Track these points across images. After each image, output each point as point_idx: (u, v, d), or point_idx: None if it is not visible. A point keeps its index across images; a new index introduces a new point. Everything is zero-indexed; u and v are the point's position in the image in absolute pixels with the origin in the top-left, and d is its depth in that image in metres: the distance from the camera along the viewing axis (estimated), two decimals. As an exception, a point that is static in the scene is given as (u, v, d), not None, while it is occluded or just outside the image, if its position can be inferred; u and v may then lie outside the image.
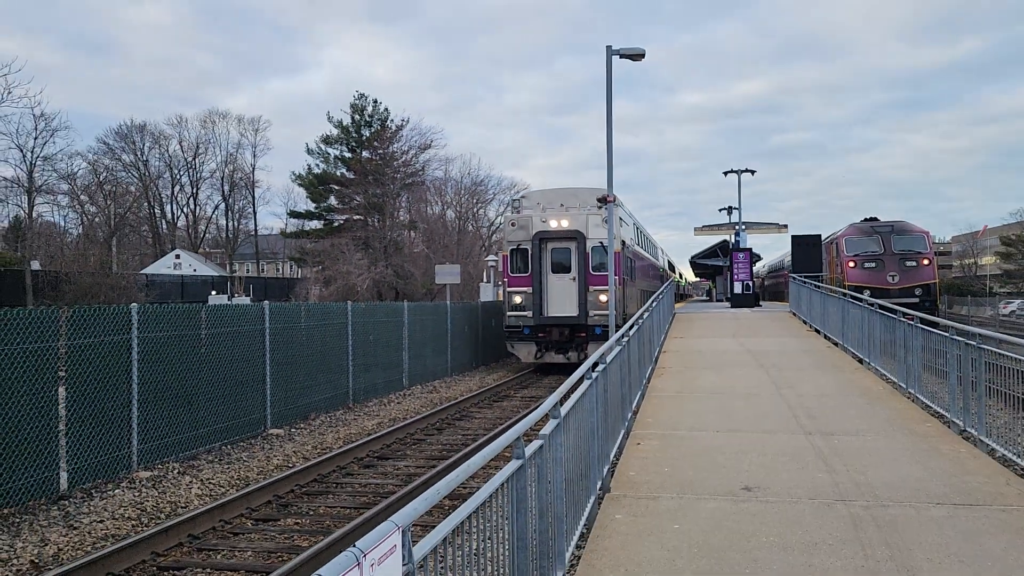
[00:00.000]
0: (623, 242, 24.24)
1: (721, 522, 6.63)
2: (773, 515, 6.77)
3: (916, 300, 25.22)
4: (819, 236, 33.32)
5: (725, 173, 38.89)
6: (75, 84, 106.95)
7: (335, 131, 48.91)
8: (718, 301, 48.83)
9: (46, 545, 8.28)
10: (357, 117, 48.64)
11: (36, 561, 7.83)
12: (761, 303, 37.22)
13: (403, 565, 2.70)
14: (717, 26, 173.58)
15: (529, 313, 24.19)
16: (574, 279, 24.19)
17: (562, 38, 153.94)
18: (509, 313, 24.61)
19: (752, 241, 55.51)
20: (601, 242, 23.07)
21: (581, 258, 23.99)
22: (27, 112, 55.44)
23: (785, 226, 39.99)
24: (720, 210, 47.23)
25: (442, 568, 3.18)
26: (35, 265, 46.65)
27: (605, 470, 7.86)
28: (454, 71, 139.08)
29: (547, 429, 5.26)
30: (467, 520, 3.48)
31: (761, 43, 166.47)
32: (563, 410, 5.72)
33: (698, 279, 74.95)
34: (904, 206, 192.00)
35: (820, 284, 24.25)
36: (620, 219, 23.96)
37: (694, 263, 53.93)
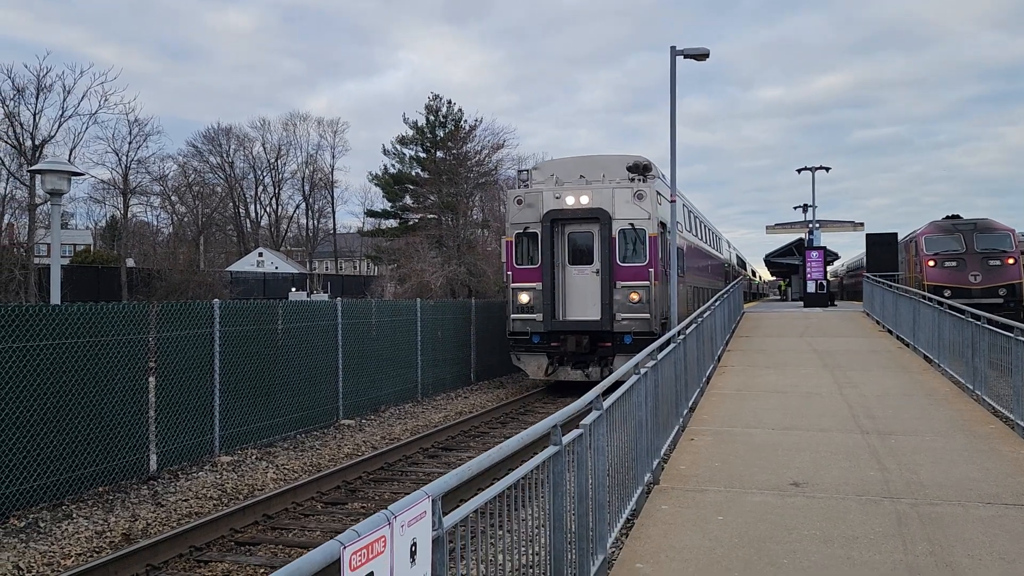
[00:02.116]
0: (661, 224, 19.11)
1: (765, 515, 6.82)
2: (818, 510, 6.92)
3: (1000, 301, 24.31)
4: (895, 234, 32.46)
5: (799, 170, 38.22)
6: (166, 90, 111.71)
7: (410, 132, 49.97)
8: (793, 300, 47.92)
9: (136, 520, 9.01)
10: (432, 118, 49.58)
11: (127, 534, 8.56)
12: (836, 303, 36.46)
13: (433, 530, 3.08)
14: (796, 19, 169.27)
15: (538, 316, 19.08)
16: (597, 272, 19.03)
17: (636, 35, 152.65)
18: (513, 316, 19.51)
19: (830, 240, 54.28)
20: (632, 224, 18.51)
21: (606, 245, 18.72)
22: (122, 118, 58.79)
23: (861, 224, 39.10)
24: (796, 208, 46.40)
25: (473, 538, 3.56)
26: (130, 263, 49.24)
27: (655, 463, 8.12)
28: (527, 71, 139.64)
29: (588, 420, 5.58)
30: (500, 497, 3.84)
31: (843, 35, 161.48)
32: (606, 403, 6.03)
33: (773, 278, 73.59)
34: (996, 203, 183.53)
35: (893, 283, 23.67)
36: (658, 193, 19.25)
37: (769, 261, 53.01)
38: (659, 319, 18.50)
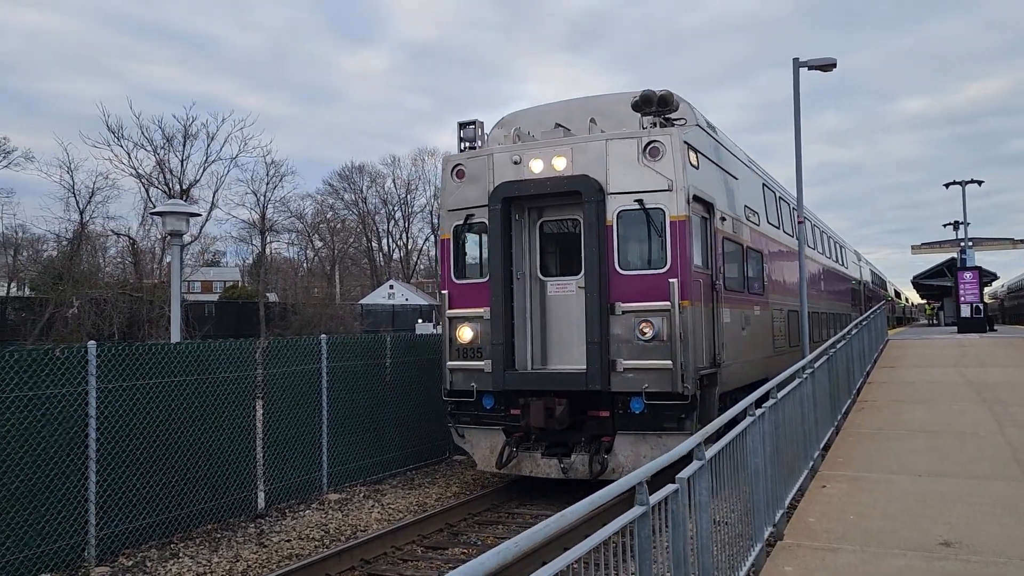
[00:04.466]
0: (697, 201, 11.24)
1: (908, 583, 5.85)
2: (973, 578, 5.88)
3: None
4: (1064, 251, 29.32)
5: (947, 185, 35.41)
6: (303, 132, 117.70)
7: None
8: (945, 325, 44.35)
9: (237, 561, 8.92)
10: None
11: (227, 576, 8.45)
12: (996, 328, 33.30)
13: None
14: (935, 24, 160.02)
15: (486, 364, 11.30)
16: (582, 288, 11.16)
17: (760, 52, 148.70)
18: (450, 364, 11.78)
19: (985, 259, 49.97)
20: (641, 200, 10.75)
21: (594, 239, 10.85)
22: (260, 160, 62.47)
23: (1022, 241, 35.60)
24: (945, 225, 43.08)
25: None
26: (272, 297, 51.68)
27: (777, 515, 7.24)
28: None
29: (687, 472, 4.89)
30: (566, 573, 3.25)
31: (991, 38, 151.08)
32: (709, 452, 5.32)
33: (923, 300, 68.70)
34: None
35: None
36: (688, 146, 11.12)
37: (917, 284, 49.45)
38: (696, 367, 10.60)
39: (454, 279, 11.96)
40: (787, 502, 7.72)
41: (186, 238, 36.36)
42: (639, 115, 11.14)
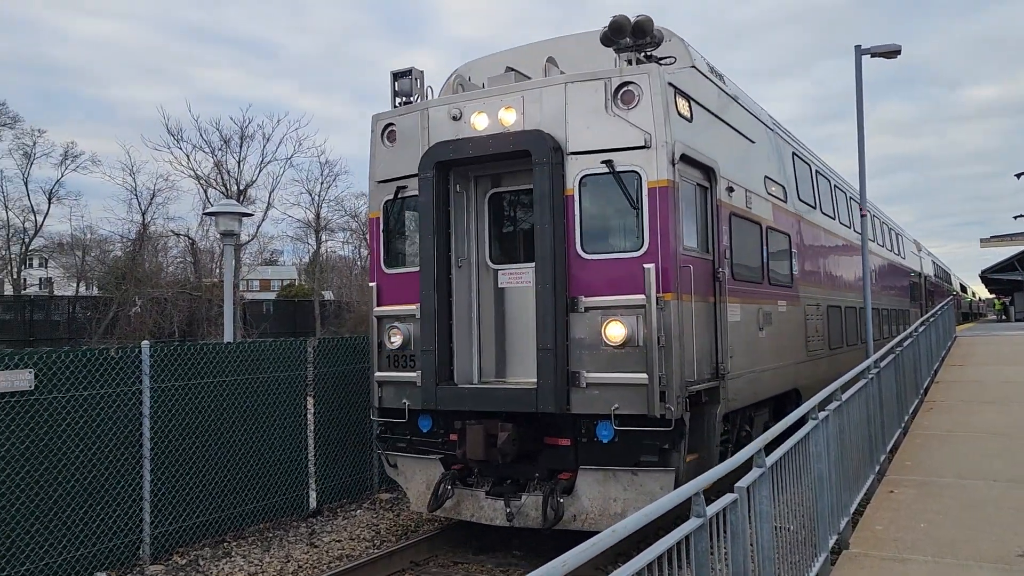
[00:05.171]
0: (687, 162, 8.55)
1: (985, 598, 5.49)
2: (1058, 594, 5.49)
3: None
4: None
5: (1017, 175, 34.01)
6: (356, 131, 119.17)
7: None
8: (1016, 320, 42.67)
9: (288, 561, 8.91)
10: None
11: (278, 576, 8.45)
12: (1072, 323, 31.84)
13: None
14: (1006, 8, 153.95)
15: (415, 374, 9.00)
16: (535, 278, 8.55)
17: (819, 42, 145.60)
18: (379, 375, 9.51)
19: (1059, 251, 47.84)
20: (609, 162, 8.24)
21: (551, 214, 8.33)
22: (315, 160, 63.56)
23: (1099, 232, 34.00)
24: (1017, 217, 41.36)
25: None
26: (327, 295, 52.31)
27: (842, 523, 6.90)
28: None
29: (745, 481, 4.64)
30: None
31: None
32: (770, 458, 5.05)
33: (992, 295, 66.29)
34: None
35: None
36: (674, 89, 8.50)
37: (985, 278, 47.73)
38: (683, 381, 7.99)
39: (384, 268, 9.68)
40: (852, 509, 7.38)
41: (243, 237, 37.08)
42: (609, 46, 8.37)
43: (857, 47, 16.54)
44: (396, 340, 9.26)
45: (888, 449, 9.71)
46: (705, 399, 8.56)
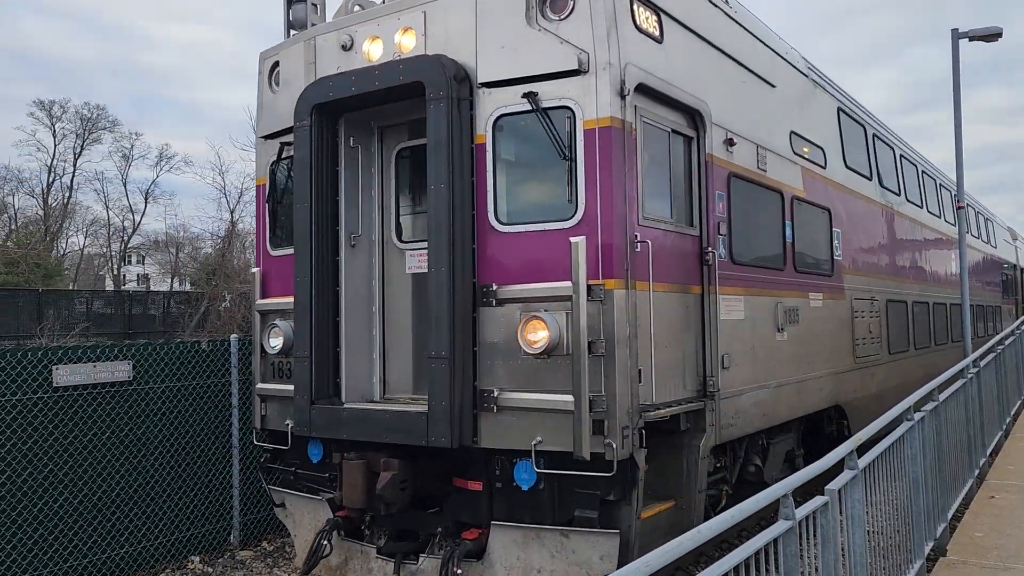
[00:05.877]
0: (648, 95, 6.27)
1: (1098, 613, 5.16)
2: None
3: None
4: None
5: None
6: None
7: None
8: None
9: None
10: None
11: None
12: None
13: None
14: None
15: (290, 386, 6.94)
16: (428, 259, 6.25)
17: (912, 27, 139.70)
18: (261, 386, 7.51)
19: None
20: (532, 95, 5.92)
21: (450, 169, 6.03)
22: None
23: None
24: None
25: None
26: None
27: (939, 529, 6.62)
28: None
29: (836, 483, 4.48)
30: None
31: None
32: (863, 460, 4.86)
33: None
34: None
35: None
36: (641, 5, 6.29)
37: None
38: (633, 405, 5.79)
39: (270, 250, 7.65)
40: (950, 514, 7.07)
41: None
42: None
43: (954, 31, 15.76)
44: (275, 342, 7.12)
45: (988, 452, 9.26)
46: (685, 426, 6.44)
